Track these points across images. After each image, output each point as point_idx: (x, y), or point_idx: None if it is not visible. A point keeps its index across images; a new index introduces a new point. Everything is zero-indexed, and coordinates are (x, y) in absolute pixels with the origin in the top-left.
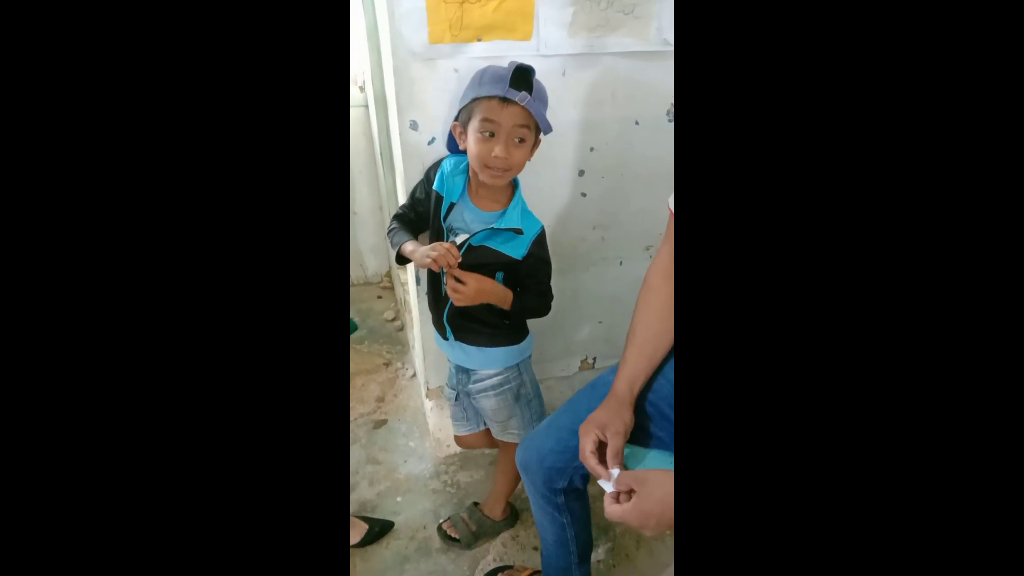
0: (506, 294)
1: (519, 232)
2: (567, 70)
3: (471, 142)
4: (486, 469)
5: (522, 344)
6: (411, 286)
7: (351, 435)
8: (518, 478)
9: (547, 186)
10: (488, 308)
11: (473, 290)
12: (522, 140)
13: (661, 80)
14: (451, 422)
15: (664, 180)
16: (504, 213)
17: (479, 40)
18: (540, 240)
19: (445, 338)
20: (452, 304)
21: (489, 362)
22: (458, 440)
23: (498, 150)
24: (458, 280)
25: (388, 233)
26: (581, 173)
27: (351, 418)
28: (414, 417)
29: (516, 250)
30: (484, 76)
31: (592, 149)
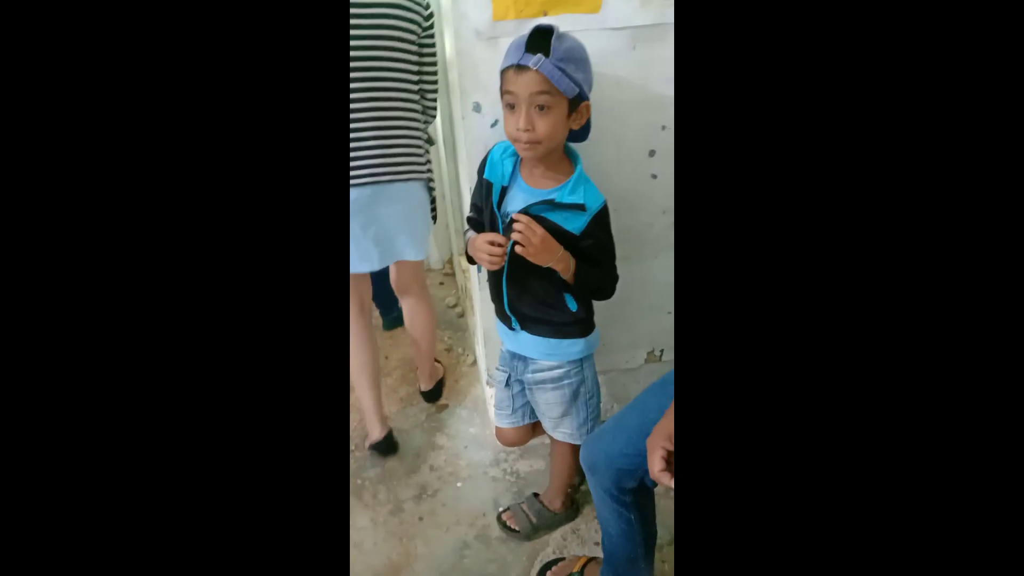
0: (570, 262)
1: (581, 208)
2: (637, 44)
3: (503, 118)
4: (546, 459)
5: (589, 338)
6: (472, 274)
7: (415, 419)
8: (575, 471)
9: (614, 167)
10: (554, 293)
11: (540, 239)
12: (543, 108)
13: None
14: (495, 409)
15: None
16: (563, 188)
17: (544, 15)
18: (602, 216)
19: (511, 328)
20: (511, 293)
21: (552, 353)
22: (499, 433)
23: (519, 122)
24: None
25: (464, 236)
26: (652, 153)
27: (416, 402)
28: (475, 404)
29: (574, 224)
30: (509, 47)
31: (664, 128)
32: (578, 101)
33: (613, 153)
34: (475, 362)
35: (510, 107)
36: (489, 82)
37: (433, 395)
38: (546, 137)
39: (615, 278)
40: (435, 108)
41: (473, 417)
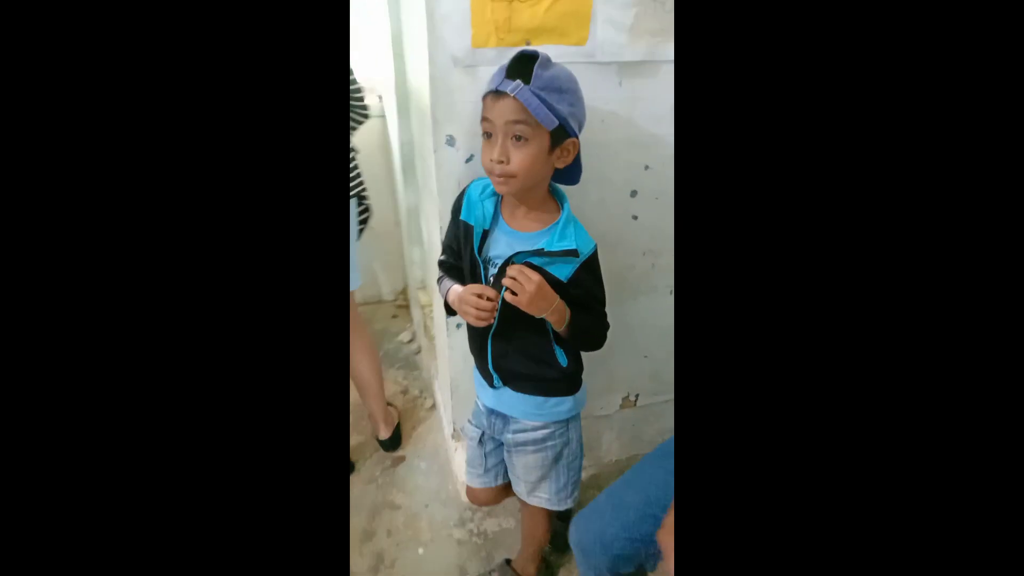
0: (564, 310)
1: (574, 254)
2: (623, 79)
3: (482, 149)
4: (516, 516)
5: (577, 396)
6: (437, 310)
7: (367, 474)
8: (548, 534)
9: (595, 207)
10: (543, 346)
11: (536, 287)
12: (520, 138)
13: None
14: (466, 467)
15: None
16: (550, 231)
17: (527, 44)
18: (592, 262)
19: (492, 386)
20: (496, 349)
21: (537, 413)
22: (470, 493)
23: (494, 152)
24: (514, 279)
25: (437, 282)
26: (633, 194)
27: (368, 455)
28: (435, 453)
29: (562, 271)
30: (494, 73)
31: (647, 168)
32: (562, 136)
33: (595, 193)
34: (434, 406)
35: (487, 135)
36: (465, 113)
37: (393, 443)
38: (521, 171)
39: (606, 326)
40: (364, 109)
41: (433, 469)
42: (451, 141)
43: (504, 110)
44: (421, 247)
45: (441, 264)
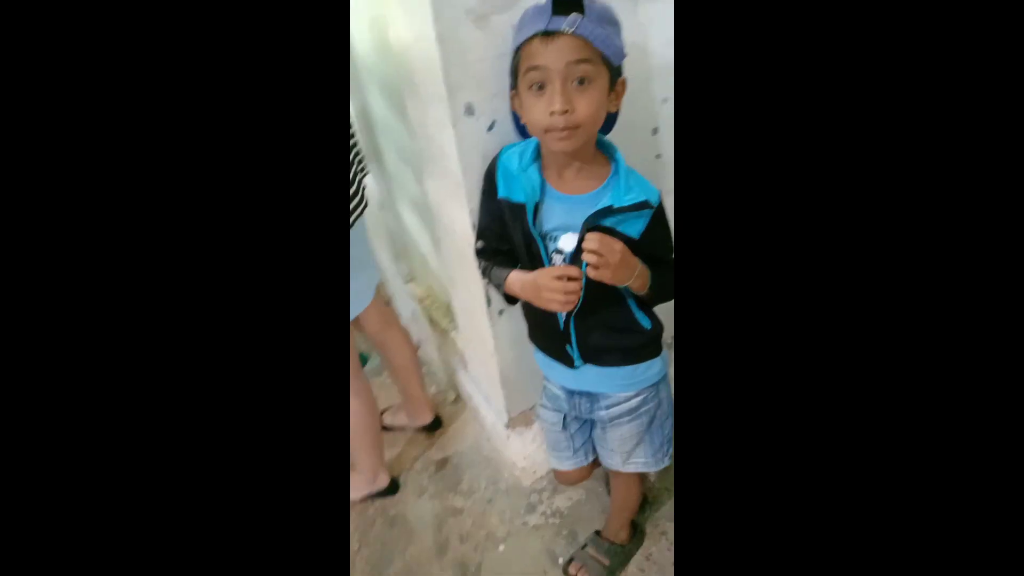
0: (646, 272)
1: (648, 206)
2: (640, 4)
3: (525, 106)
4: (584, 486)
5: (664, 354)
6: (468, 303)
7: (415, 486)
8: (640, 496)
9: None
10: (623, 314)
11: (620, 255)
12: (585, 80)
13: None
14: (549, 452)
15: None
16: (610, 186)
17: None
18: (661, 210)
19: (572, 366)
20: (579, 328)
21: (629, 383)
22: (560, 476)
23: (555, 102)
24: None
25: (483, 273)
26: (655, 131)
27: (407, 466)
28: (477, 447)
29: (632, 226)
30: (524, 17)
31: (665, 100)
32: (615, 74)
33: (615, 134)
34: (457, 399)
35: (537, 87)
36: (482, 74)
37: (436, 424)
38: (589, 119)
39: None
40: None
41: (482, 462)
42: (471, 110)
43: (563, 51)
44: (405, 239)
45: (481, 252)
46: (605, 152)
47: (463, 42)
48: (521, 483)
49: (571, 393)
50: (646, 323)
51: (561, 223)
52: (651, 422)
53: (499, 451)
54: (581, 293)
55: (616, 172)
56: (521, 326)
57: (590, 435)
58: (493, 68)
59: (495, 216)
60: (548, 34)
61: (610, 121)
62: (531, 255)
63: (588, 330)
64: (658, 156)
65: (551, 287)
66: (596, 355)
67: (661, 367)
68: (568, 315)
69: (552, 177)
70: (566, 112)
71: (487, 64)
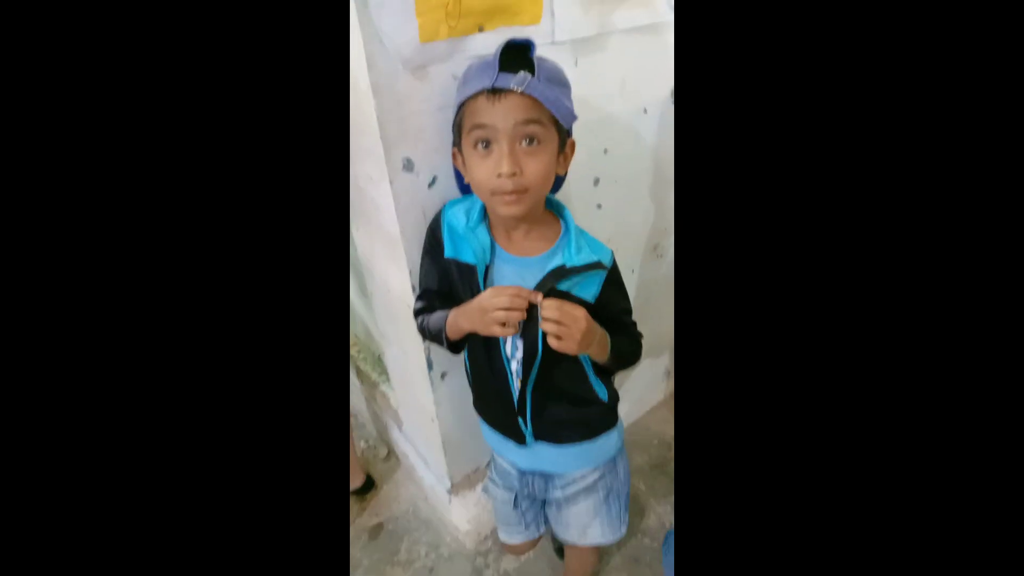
0: (606, 337)
1: (600, 267)
2: (579, 58)
3: (469, 166)
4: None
5: (619, 425)
6: (401, 362)
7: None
8: (595, 565)
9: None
10: (580, 384)
11: (584, 322)
12: (534, 141)
13: (666, 56)
14: (498, 524)
15: (671, 169)
16: (559, 248)
17: (481, 30)
18: (615, 270)
19: (522, 443)
20: (536, 402)
21: (585, 460)
22: (508, 547)
23: (503, 164)
24: (554, 320)
25: (422, 332)
26: (596, 182)
27: None
28: (414, 508)
29: (587, 289)
30: (469, 72)
31: (606, 151)
32: (564, 136)
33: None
34: (389, 456)
35: (483, 146)
36: (421, 128)
37: (368, 486)
38: (537, 182)
39: (640, 335)
40: None
41: (420, 526)
42: (409, 165)
43: (511, 110)
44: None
45: (420, 312)
46: (555, 212)
47: (399, 93)
48: (465, 547)
49: (523, 472)
50: (603, 393)
51: (511, 284)
52: (608, 495)
53: (439, 513)
54: (538, 344)
55: (566, 232)
56: (465, 385)
57: (542, 507)
58: (433, 121)
59: (440, 276)
60: (496, 92)
61: (558, 181)
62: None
63: (545, 402)
64: (599, 206)
65: (497, 305)
66: (551, 430)
67: (617, 439)
68: (523, 385)
69: (501, 238)
70: (514, 175)
71: (426, 117)
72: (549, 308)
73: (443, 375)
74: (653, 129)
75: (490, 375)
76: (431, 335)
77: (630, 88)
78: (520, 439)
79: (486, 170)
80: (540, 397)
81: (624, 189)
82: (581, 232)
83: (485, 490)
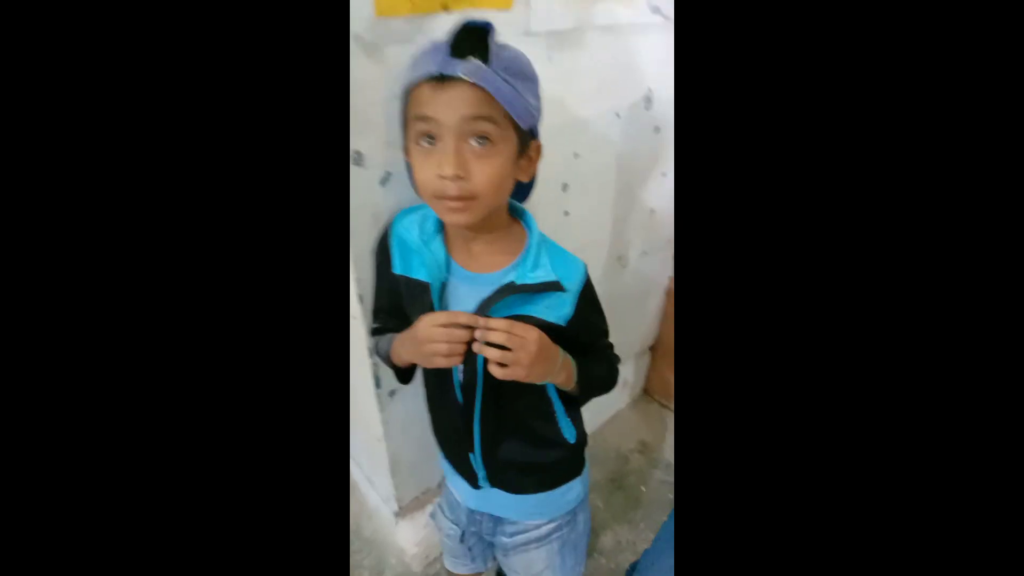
0: (571, 363)
1: (556, 287)
2: (553, 53)
3: (413, 163)
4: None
5: (584, 474)
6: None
7: None
8: None
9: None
10: (543, 420)
11: (536, 346)
12: (484, 140)
13: (643, 59)
14: (444, 554)
15: (639, 178)
16: (520, 264)
17: (445, 9)
18: (588, 291)
19: (476, 486)
20: (486, 437)
21: (540, 511)
22: None
23: (445, 165)
24: (496, 345)
25: (373, 352)
26: (564, 187)
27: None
28: (356, 525)
29: (557, 311)
30: (418, 53)
31: (576, 155)
32: (526, 138)
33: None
34: None
35: (426, 140)
36: (374, 117)
37: None
38: (487, 189)
39: (617, 359)
40: None
41: (361, 548)
42: (359, 159)
43: (457, 102)
44: None
45: (376, 332)
46: (521, 220)
47: (351, 74)
48: (412, 569)
49: (472, 510)
50: (570, 434)
51: (467, 308)
52: (563, 547)
53: (383, 534)
54: (477, 372)
55: (529, 244)
56: (414, 406)
57: (491, 545)
58: (388, 110)
59: (389, 294)
60: (442, 79)
61: (525, 188)
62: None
63: (497, 435)
64: (566, 213)
65: (432, 336)
66: (505, 475)
67: (581, 488)
68: (469, 418)
69: (459, 252)
70: (459, 178)
71: (380, 105)
72: (492, 331)
73: (392, 393)
74: (624, 135)
75: (441, 406)
76: (381, 357)
77: (605, 90)
78: (472, 480)
79: (428, 169)
80: (492, 433)
81: (593, 196)
82: (548, 244)
83: (433, 516)
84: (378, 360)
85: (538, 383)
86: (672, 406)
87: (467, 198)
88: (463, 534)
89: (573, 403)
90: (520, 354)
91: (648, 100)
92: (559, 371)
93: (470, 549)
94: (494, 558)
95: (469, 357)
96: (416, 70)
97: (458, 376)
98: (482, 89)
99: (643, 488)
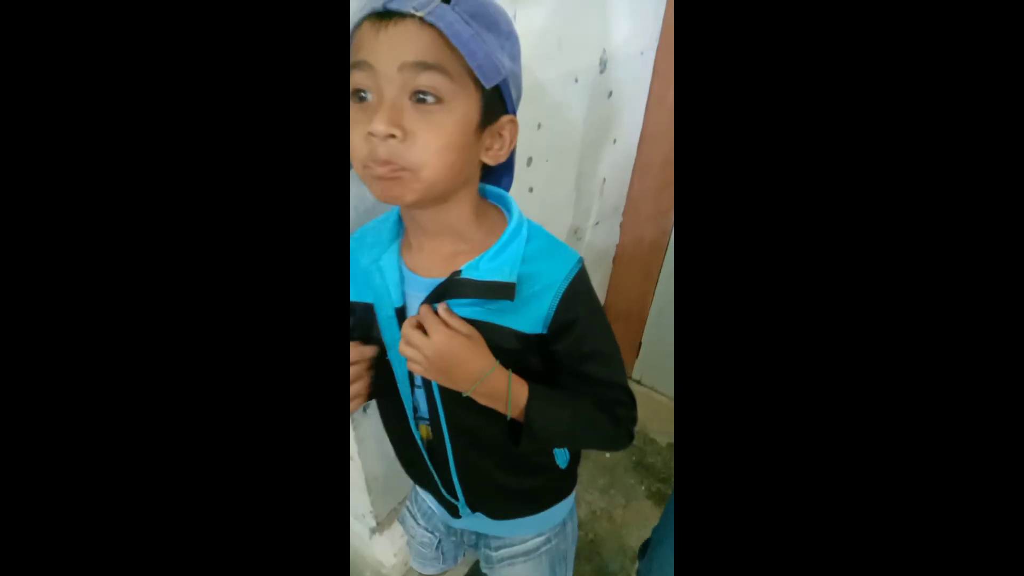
0: (494, 381)
1: (504, 291)
2: (518, 9)
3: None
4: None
5: (572, 495)
6: None
7: None
8: None
9: None
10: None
11: (443, 339)
12: (428, 97)
13: (596, 16)
14: (412, 556)
15: (594, 147)
16: (482, 256)
17: None
18: (576, 289)
19: (456, 515)
20: (459, 459)
21: (529, 528)
22: None
23: (377, 120)
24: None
25: None
26: (529, 162)
27: None
28: None
29: (527, 317)
30: None
31: (539, 126)
32: (497, 109)
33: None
34: None
35: (359, 98)
36: None
37: None
38: (430, 159)
39: (621, 406)
40: None
41: None
42: None
43: (400, 45)
44: None
45: None
46: (504, 210)
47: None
48: None
49: (452, 527)
50: (562, 459)
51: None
52: (552, 559)
53: (357, 548)
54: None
55: (505, 235)
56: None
57: (463, 543)
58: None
59: (353, 323)
60: (386, 15)
61: (505, 170)
62: (388, 376)
63: (475, 464)
64: (531, 190)
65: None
66: (488, 503)
67: (570, 502)
68: (430, 444)
69: (416, 256)
70: (392, 136)
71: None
72: (412, 320)
73: (365, 408)
74: (582, 102)
75: (406, 439)
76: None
77: (564, 52)
78: (452, 511)
79: (359, 132)
80: (468, 462)
81: (554, 169)
82: (536, 234)
83: (402, 521)
84: None
85: (463, 394)
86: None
87: (400, 167)
88: (439, 542)
89: (533, 440)
90: (423, 346)
91: (603, 63)
92: (484, 388)
93: (443, 552)
94: (465, 554)
95: (427, 384)
96: (359, 9)
97: (416, 407)
98: (434, 31)
99: (607, 455)
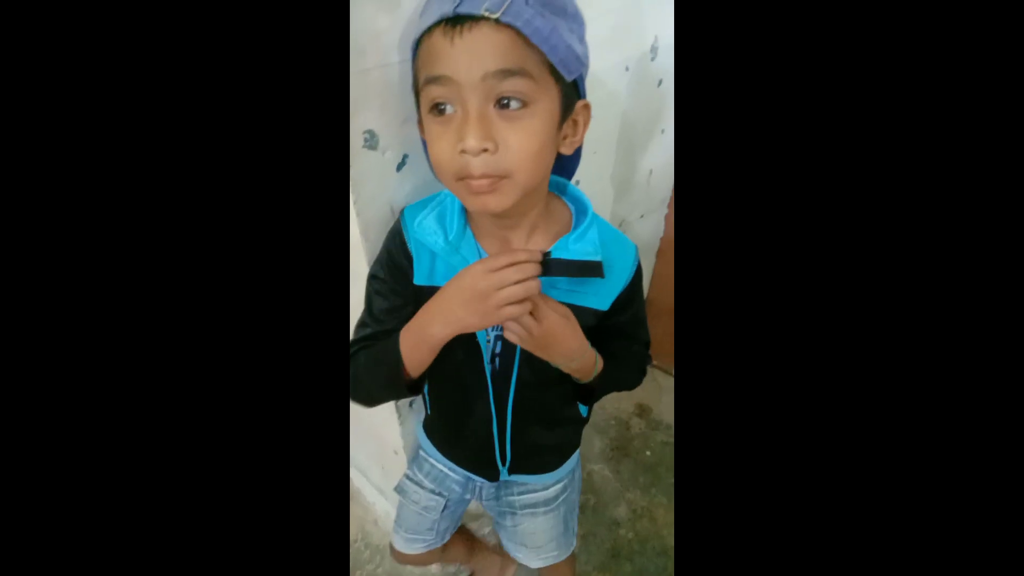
0: (594, 360)
1: (594, 269)
2: None
3: (428, 139)
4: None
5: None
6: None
7: None
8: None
9: None
10: (564, 403)
11: (553, 322)
12: (513, 103)
13: (654, 3)
14: (399, 530)
15: (642, 137)
16: (566, 238)
17: None
18: (636, 278)
19: (495, 479)
20: (517, 427)
21: (553, 475)
22: (399, 556)
23: (467, 136)
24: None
25: (354, 371)
26: None
27: None
28: (362, 533)
29: (598, 296)
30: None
31: None
32: (572, 98)
33: None
34: None
35: (438, 111)
36: (388, 84)
37: None
38: (524, 165)
39: (648, 362)
40: None
41: (374, 555)
42: (372, 140)
43: (479, 53)
44: None
45: (358, 342)
46: (570, 203)
47: (360, 33)
48: (431, 571)
49: (470, 478)
50: (584, 409)
51: None
52: (567, 510)
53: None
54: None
55: (578, 224)
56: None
57: (458, 514)
58: (404, 76)
59: (398, 307)
60: (457, 21)
61: (569, 161)
62: (472, 364)
63: (526, 425)
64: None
65: (502, 280)
66: (526, 459)
67: (578, 450)
68: (505, 407)
69: (491, 244)
70: (485, 151)
71: (396, 70)
72: (523, 278)
73: (411, 404)
74: (632, 90)
75: (462, 402)
76: (370, 375)
77: (616, 39)
78: (492, 476)
79: (445, 145)
80: (523, 425)
81: (602, 160)
82: (601, 223)
83: (400, 491)
84: (362, 379)
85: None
86: (666, 368)
87: (497, 176)
88: (444, 505)
89: (587, 395)
90: (538, 323)
91: (655, 50)
92: (579, 363)
93: (438, 522)
94: (451, 532)
95: (504, 349)
96: (426, 16)
97: (489, 367)
98: (510, 30)
99: (648, 452)
